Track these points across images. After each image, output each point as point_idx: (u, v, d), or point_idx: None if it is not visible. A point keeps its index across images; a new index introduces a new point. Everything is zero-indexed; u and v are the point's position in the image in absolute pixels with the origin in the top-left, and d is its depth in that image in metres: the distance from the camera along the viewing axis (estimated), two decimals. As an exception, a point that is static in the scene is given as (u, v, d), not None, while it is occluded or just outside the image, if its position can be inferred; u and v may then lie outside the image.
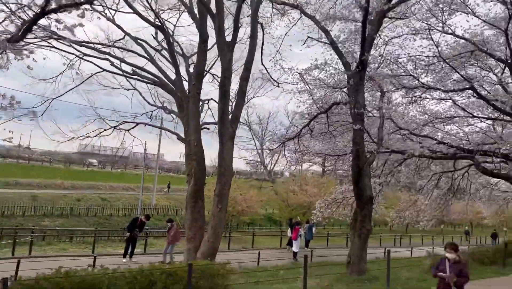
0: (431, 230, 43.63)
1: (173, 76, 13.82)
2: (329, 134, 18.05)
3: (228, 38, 11.86)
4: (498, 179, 24.67)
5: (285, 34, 14.71)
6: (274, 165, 53.93)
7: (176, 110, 14.72)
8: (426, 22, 15.82)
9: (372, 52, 13.02)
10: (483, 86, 16.42)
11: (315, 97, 14.58)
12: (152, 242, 22.91)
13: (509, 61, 14.45)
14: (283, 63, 14.46)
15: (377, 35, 11.76)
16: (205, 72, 14.64)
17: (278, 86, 15.71)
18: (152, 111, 20.35)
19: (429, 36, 16.12)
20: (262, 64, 14.79)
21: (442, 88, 16.47)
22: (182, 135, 13.67)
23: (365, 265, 10.95)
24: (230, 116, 11.70)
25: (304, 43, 13.89)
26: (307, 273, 8.89)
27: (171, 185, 52.10)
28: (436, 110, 19.78)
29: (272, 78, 15.27)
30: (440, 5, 15.33)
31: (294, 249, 19.79)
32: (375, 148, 11.54)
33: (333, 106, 14.07)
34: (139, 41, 15.08)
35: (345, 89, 13.05)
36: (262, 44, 14.43)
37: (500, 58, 14.89)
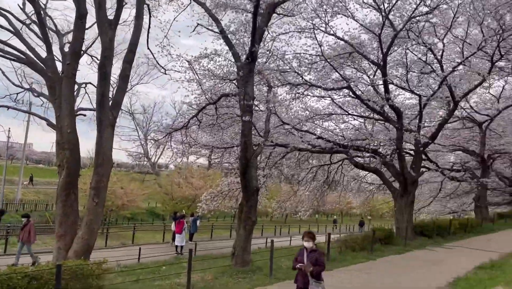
0: (307, 219, 46.72)
1: (44, 54, 12.18)
2: (217, 126, 17.87)
3: (112, 17, 10.85)
4: (367, 172, 27.27)
5: (174, 19, 14.03)
6: (159, 157, 52.34)
7: (46, 93, 13.04)
8: (311, 21, 16.57)
9: (261, 46, 13.15)
10: (358, 86, 17.83)
11: (204, 87, 14.24)
12: (15, 241, 20.26)
13: (381, 64, 15.85)
14: (171, 49, 13.84)
15: (266, 29, 11.80)
16: (83, 52, 13.23)
17: (165, 74, 14.98)
18: (17, 93, 17.92)
19: (313, 36, 16.92)
20: (148, 48, 13.93)
21: (323, 86, 17.50)
22: (54, 121, 12.16)
23: (250, 256, 10.99)
24: (110, 101, 10.71)
25: (194, 30, 13.43)
26: (191, 267, 8.54)
27: (35, 177, 47.13)
28: (317, 107, 20.99)
29: (158, 64, 14.52)
30: (324, 7, 16.15)
31: (178, 243, 19.26)
32: (262, 140, 11.63)
33: (222, 98, 13.89)
34: (2, 11, 13.04)
35: (234, 81, 12.92)
36: (149, 27, 13.59)
37: (373, 61, 16.27)
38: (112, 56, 10.51)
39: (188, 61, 14.13)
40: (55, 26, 14.12)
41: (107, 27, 10.26)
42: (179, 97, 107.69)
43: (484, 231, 21.11)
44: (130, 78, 11.26)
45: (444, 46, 16.99)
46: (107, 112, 10.44)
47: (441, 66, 17.02)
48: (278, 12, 14.47)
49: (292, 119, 20.05)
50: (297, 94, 19.34)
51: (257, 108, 16.54)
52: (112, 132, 10.74)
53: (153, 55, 14.03)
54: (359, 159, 20.20)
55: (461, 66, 17.33)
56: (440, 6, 15.56)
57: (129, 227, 29.08)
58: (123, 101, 11.30)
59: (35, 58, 12.02)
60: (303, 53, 17.18)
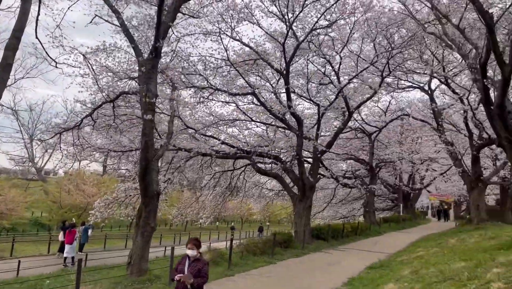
0: (208, 226, 46.30)
1: None
2: (114, 128, 16.75)
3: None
4: (267, 179, 27.87)
5: (68, 8, 12.82)
6: (46, 162, 47.65)
7: None
8: (217, 25, 16.47)
9: (165, 45, 12.60)
10: (262, 94, 18.11)
11: (101, 84, 13.17)
12: None
13: (284, 72, 16.29)
14: (64, 41, 12.63)
15: (172, 27, 11.33)
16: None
17: (57, 67, 13.54)
18: None
19: (219, 40, 16.86)
20: (37, 37, 12.46)
21: (228, 91, 17.43)
22: None
23: (147, 264, 10.31)
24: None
25: (91, 22, 12.40)
26: (80, 279, 7.66)
27: None
28: (221, 113, 20.93)
29: (49, 56, 13.07)
30: (230, 12, 16.20)
31: (67, 254, 17.53)
32: (164, 142, 11.05)
33: (121, 96, 12.98)
34: None
35: (136, 79, 12.17)
36: (38, 14, 12.15)
37: (277, 69, 16.64)
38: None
39: (83, 54, 13.03)
40: None
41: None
42: (72, 95, 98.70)
43: (372, 234, 22.78)
44: (14, 70, 9.87)
45: (341, 59, 18.09)
46: (-18, 104, 9.02)
47: (338, 78, 18.09)
48: (183, 12, 14.08)
49: (196, 124, 19.70)
50: (201, 98, 19.06)
51: (159, 109, 15.88)
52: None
53: (42, 46, 12.58)
54: (261, 165, 20.46)
55: (355, 80, 18.62)
56: (338, 21, 16.59)
57: (8, 237, 25.83)
58: (4, 97, 9.86)
59: None
60: (209, 57, 17.01)
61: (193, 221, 33.43)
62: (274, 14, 16.31)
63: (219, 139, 20.16)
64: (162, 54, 11.98)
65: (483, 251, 8.90)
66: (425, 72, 20.99)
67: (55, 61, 13.33)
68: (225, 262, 12.23)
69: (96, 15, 12.10)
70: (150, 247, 10.37)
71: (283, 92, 18.17)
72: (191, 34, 16.16)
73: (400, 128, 28.91)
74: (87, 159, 48.28)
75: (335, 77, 18.47)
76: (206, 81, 17.46)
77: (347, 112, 18.42)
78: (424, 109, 25.24)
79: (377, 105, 27.12)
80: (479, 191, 20.08)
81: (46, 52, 12.90)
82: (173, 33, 14.56)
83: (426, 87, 22.82)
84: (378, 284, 8.56)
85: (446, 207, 41.69)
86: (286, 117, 17.92)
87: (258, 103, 19.68)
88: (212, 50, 17.05)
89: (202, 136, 20.19)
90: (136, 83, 13.22)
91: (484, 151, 23.72)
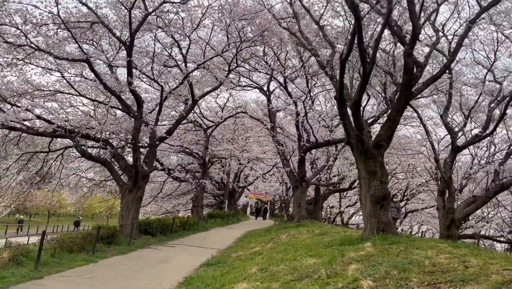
0: (5, 220, 39.08)
1: None
2: None
3: None
4: (88, 166, 24.73)
5: None
6: None
7: None
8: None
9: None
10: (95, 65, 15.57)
11: None
12: None
13: (127, 43, 14.23)
14: None
15: None
16: None
17: None
18: None
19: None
20: None
21: (54, 54, 14.37)
22: None
23: None
24: None
25: None
26: None
27: None
28: (39, 82, 17.49)
29: None
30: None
31: None
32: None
33: None
34: None
35: None
36: None
37: (118, 38, 14.47)
38: None
39: None
40: None
41: None
42: None
43: (200, 229, 22.19)
44: None
45: (190, 43, 16.94)
46: None
47: (185, 63, 16.88)
48: None
49: (3, 91, 15.91)
50: (15, 60, 15.43)
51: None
52: None
53: None
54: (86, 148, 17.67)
55: (202, 68, 17.69)
56: (190, 1, 15.45)
57: None
58: None
59: None
60: (32, 8, 13.72)
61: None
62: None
63: (33, 113, 16.68)
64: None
65: (326, 246, 8.91)
66: (267, 72, 21.53)
67: None
68: (31, 261, 9.70)
69: None
70: None
71: (121, 67, 16.05)
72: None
73: (234, 126, 29.36)
74: None
75: (182, 62, 17.24)
76: (25, 38, 14.06)
77: (190, 100, 17.35)
78: (257, 110, 26.08)
79: (216, 101, 26.95)
80: (302, 190, 21.52)
81: None
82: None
83: (265, 88, 23.49)
84: (223, 284, 7.66)
85: (266, 205, 44.58)
86: (122, 96, 15.83)
87: (89, 77, 17.07)
88: (36, 2, 13.93)
89: (12, 106, 16.43)
90: None
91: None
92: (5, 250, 9.95)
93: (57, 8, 13.46)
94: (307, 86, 20.77)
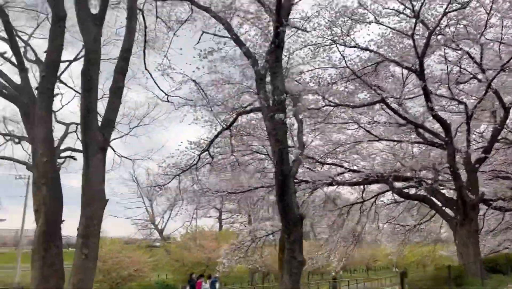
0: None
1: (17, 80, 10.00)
2: (231, 165, 15.46)
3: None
4: (401, 210, 24.18)
5: (174, 34, 12.05)
6: (166, 223, 48.80)
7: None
8: (327, 36, 14.64)
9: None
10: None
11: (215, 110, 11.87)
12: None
13: (417, 69, 13.59)
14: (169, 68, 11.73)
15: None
16: (68, 62, 11.07)
17: (168, 101, 12.68)
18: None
19: (329, 54, 14.91)
20: (146, 69, 11.73)
21: (349, 104, 15.12)
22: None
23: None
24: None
25: (198, 42, 11.33)
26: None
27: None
28: (338, 139, 18.61)
29: (160, 88, 12.25)
30: (341, 19, 14.30)
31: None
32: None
33: (239, 118, 11.49)
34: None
35: (252, 91, 10.61)
36: (145, 41, 11.48)
37: (408, 67, 14.01)
38: (98, 60, 8.24)
39: (194, 81, 11.91)
40: (35, 54, 12.10)
41: (91, 24, 8.08)
42: (186, 136, 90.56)
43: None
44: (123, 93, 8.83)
45: (482, 48, 14.87)
46: (96, 132, 7.96)
47: (483, 71, 14.77)
48: (291, 24, 12.48)
49: (312, 153, 17.63)
50: (316, 124, 17.04)
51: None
52: (103, 160, 8.19)
53: (152, 77, 11.79)
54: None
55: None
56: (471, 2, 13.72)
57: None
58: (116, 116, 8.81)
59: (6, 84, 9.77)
60: (323, 70, 15.09)
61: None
62: (396, 11, 14.00)
63: (342, 166, 17.76)
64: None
65: None
66: None
67: (166, 94, 12.47)
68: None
69: (203, 32, 11.00)
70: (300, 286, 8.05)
71: (409, 98, 15.48)
72: (301, 49, 14.58)
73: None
74: (204, 215, 48.51)
75: (477, 73, 15.22)
76: (322, 99, 15.44)
77: (502, 109, 14.79)
78: None
79: None
80: None
81: (157, 85, 12.07)
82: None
83: None
84: None
85: None
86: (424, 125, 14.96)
87: (381, 120, 17.11)
88: (324, 64, 15.26)
89: (322, 165, 18.00)
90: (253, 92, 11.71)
91: None
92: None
93: (345, 61, 14.30)
94: None
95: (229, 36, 9.92)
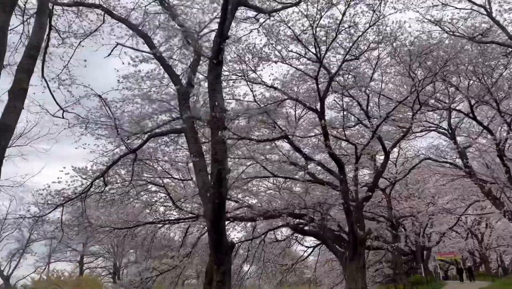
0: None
1: None
2: (125, 196, 14.11)
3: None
4: (281, 250, 24.73)
5: (79, 44, 10.79)
6: (15, 268, 41.53)
7: None
8: (234, 73, 14.79)
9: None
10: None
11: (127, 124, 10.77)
12: None
13: (318, 110, 14.44)
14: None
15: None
16: None
17: (63, 117, 11.05)
18: None
19: (243, 85, 15.03)
20: (43, 76, 10.10)
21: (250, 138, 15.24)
22: None
23: None
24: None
25: (110, 54, 10.30)
26: None
27: None
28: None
29: (55, 101, 10.62)
30: (247, 55, 14.63)
31: None
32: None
33: (150, 140, 10.49)
34: None
35: (172, 109, 9.86)
36: (47, 46, 9.98)
37: (310, 107, 14.82)
38: (4, 52, 6.75)
39: (99, 96, 10.67)
40: None
41: (-3, 8, 6.66)
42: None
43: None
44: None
45: (368, 98, 16.61)
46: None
47: (368, 118, 16.43)
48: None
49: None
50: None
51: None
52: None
53: (49, 88, 10.16)
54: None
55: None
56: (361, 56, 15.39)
57: None
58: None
59: None
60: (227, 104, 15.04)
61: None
62: (296, 53, 14.91)
63: (237, 202, 17.62)
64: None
65: None
66: (444, 107, 19.69)
67: (62, 109, 10.86)
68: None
69: (117, 44, 10.04)
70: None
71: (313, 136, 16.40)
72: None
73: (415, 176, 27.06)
74: (60, 259, 42.85)
75: (364, 118, 16.90)
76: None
77: (383, 153, 16.54)
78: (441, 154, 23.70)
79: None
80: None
81: (53, 96, 10.43)
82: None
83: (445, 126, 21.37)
84: None
85: (469, 265, 38.84)
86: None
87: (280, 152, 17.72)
88: (229, 98, 15.32)
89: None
90: (166, 124, 10.92)
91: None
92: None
93: (253, 95, 14.52)
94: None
95: (154, 56, 9.23)
